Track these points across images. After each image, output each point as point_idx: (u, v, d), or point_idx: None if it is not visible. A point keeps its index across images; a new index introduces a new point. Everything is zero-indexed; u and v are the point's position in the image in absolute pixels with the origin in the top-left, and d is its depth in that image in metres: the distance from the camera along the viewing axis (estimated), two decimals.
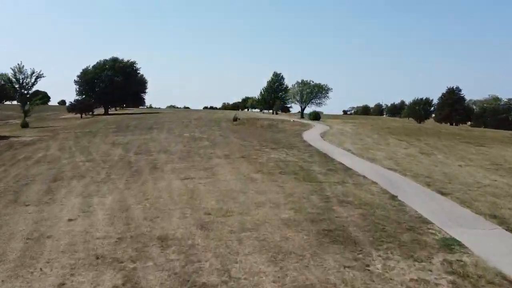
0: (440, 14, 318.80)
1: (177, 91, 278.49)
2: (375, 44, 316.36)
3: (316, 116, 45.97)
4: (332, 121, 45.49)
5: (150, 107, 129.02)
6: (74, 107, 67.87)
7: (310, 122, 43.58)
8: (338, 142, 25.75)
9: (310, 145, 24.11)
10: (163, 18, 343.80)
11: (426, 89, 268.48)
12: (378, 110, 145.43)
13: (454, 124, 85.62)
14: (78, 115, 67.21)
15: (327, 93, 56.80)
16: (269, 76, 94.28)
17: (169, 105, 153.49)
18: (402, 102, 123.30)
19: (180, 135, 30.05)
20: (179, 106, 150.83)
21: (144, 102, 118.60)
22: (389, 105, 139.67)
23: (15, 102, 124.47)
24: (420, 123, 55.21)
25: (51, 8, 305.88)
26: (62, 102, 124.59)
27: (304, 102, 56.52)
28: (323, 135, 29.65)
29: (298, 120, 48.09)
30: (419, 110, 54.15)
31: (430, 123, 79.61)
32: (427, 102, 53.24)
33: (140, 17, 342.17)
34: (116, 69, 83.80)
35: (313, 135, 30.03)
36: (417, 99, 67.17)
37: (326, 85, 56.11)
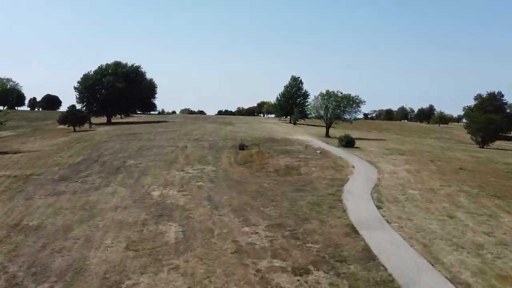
0: (461, 14, 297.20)
1: (193, 94, 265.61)
2: (396, 45, 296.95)
3: (348, 142, 32.85)
4: (370, 149, 32.27)
5: (162, 112, 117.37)
6: (65, 120, 56.34)
7: (341, 152, 30.57)
8: (420, 235, 12.85)
9: (373, 256, 11.33)
10: (181, 19, 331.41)
11: (449, 92, 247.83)
12: (402, 113, 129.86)
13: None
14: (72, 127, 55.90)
15: (359, 106, 43.47)
16: (286, 80, 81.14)
17: (184, 108, 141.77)
18: (431, 107, 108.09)
19: (143, 197, 17.65)
20: (194, 110, 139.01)
21: (155, 107, 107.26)
22: (414, 109, 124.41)
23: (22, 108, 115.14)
24: (483, 147, 41.38)
25: (68, 7, 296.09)
26: (73, 107, 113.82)
27: (329, 118, 43.08)
28: (379, 203, 16.65)
29: (325, 144, 35.10)
30: (482, 131, 40.31)
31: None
32: (492, 121, 39.44)
33: (158, 17, 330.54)
34: (118, 74, 72.21)
35: (361, 199, 17.15)
36: (476, 113, 51.75)
37: (358, 96, 42.73)
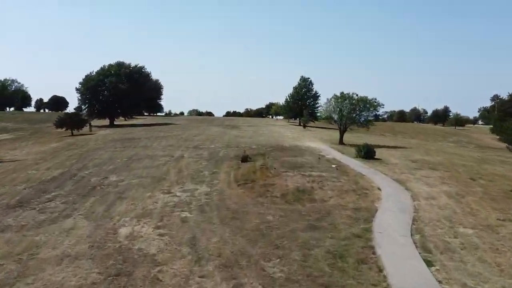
0: (474, 14, 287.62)
1: (202, 94, 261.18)
2: (406, 45, 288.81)
3: (368, 152, 27.78)
4: (393, 162, 27.15)
5: (169, 113, 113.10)
6: (63, 123, 52.15)
7: (360, 165, 25.56)
8: None
9: None
10: (190, 19, 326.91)
11: (460, 92, 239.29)
12: (415, 115, 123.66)
13: None
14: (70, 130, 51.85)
15: (376, 109, 38.30)
16: (295, 81, 76.10)
17: (192, 109, 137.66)
18: (446, 108, 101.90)
19: (105, 239, 12.93)
20: (202, 111, 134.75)
21: (161, 109, 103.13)
22: (427, 110, 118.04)
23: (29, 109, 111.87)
24: None
25: (76, 9, 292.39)
26: (79, 109, 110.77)
27: (344, 124, 37.92)
28: (426, 253, 11.62)
29: (340, 154, 30.08)
30: None
31: (490, 140, 59.87)
32: None
33: (165, 18, 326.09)
34: (121, 75, 67.98)
35: (400, 245, 12.18)
36: (493, 114, 46.44)
37: (375, 99, 37.47)
